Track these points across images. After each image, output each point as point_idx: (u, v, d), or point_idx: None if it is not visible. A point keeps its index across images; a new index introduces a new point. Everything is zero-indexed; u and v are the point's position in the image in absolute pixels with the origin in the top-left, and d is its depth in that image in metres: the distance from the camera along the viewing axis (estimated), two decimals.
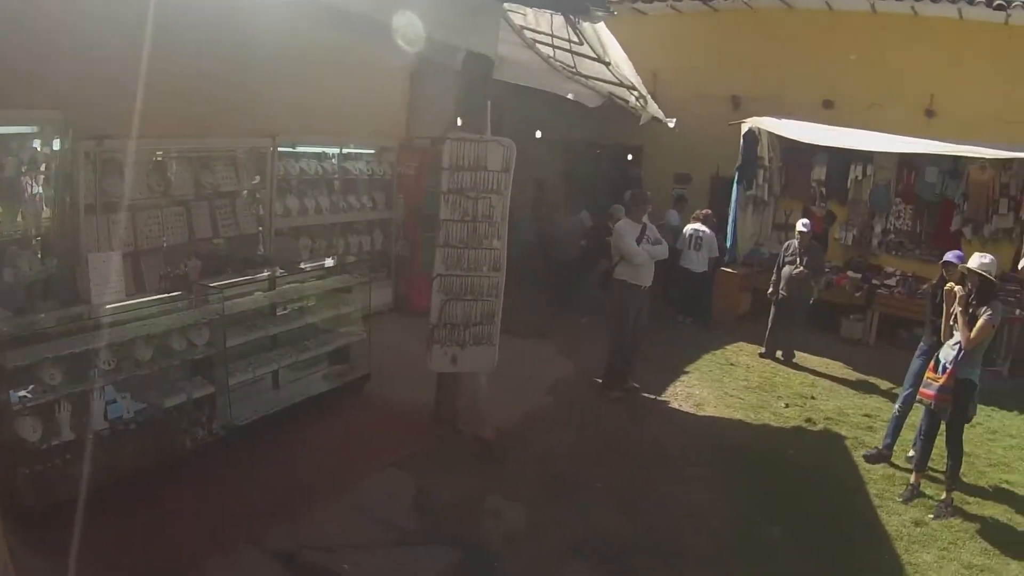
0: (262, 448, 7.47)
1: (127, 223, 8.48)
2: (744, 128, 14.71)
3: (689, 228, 14.44)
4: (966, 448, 8.17)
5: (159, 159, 9.22)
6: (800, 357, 12.48)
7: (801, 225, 12.40)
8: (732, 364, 12.09)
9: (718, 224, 14.74)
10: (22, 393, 6.03)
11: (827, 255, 13.66)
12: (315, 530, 6.32)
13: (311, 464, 7.35)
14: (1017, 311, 12.96)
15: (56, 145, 7.88)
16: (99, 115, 7.79)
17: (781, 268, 12.46)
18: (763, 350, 12.68)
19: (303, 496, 6.76)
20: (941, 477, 8.08)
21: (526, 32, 10.52)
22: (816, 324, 13.09)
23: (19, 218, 7.67)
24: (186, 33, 7.97)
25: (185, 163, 9.47)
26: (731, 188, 14.95)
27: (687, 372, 11.44)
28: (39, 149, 7.82)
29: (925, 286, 8.19)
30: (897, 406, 9.02)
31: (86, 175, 8.04)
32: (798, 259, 12.13)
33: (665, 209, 15.45)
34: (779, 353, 12.59)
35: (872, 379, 11.97)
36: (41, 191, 7.82)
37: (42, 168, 7.80)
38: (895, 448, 8.91)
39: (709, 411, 10.01)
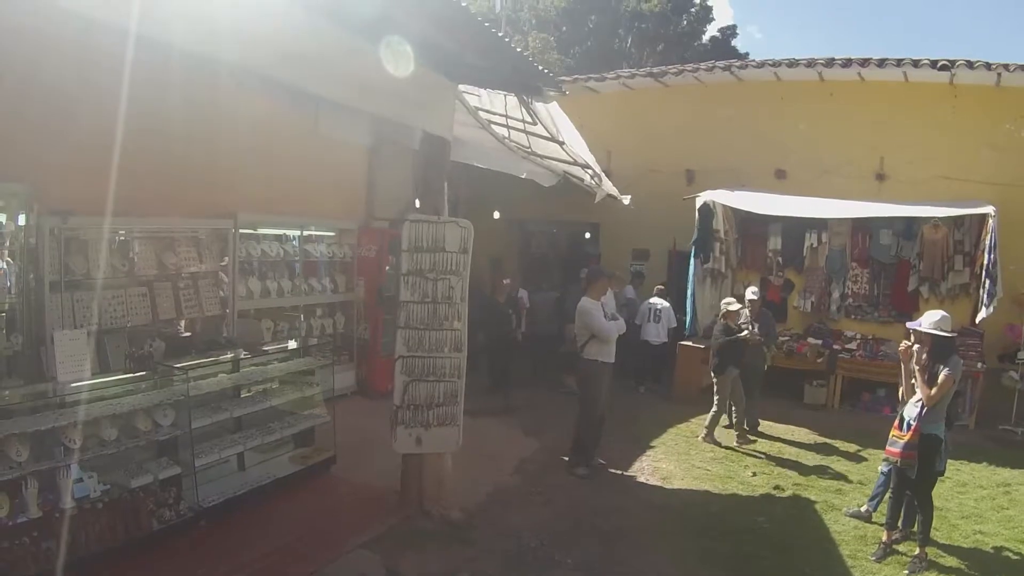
0: (229, 530, 7.36)
1: (91, 302, 8.37)
2: (699, 202, 14.91)
3: (647, 302, 14.80)
4: (937, 503, 8.23)
5: (123, 238, 9.18)
6: (765, 425, 12.51)
7: (750, 293, 12.57)
8: (698, 437, 12.03)
9: (674, 297, 15.12)
10: None
11: (787, 323, 13.76)
12: None
13: (279, 546, 7.21)
14: (979, 364, 13.16)
15: (21, 220, 7.83)
16: (64, 191, 7.81)
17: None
18: (727, 421, 12.62)
19: None
20: (913, 535, 8.10)
21: (481, 113, 10.68)
22: (779, 391, 13.06)
23: None
24: (150, 112, 8.04)
25: (148, 243, 9.40)
26: (689, 262, 15.07)
27: (653, 446, 11.40)
28: (3, 223, 7.78)
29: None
30: (881, 467, 9.03)
31: (51, 252, 7.98)
32: (750, 327, 12.19)
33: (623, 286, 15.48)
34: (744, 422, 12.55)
35: (838, 442, 12.03)
36: (5, 267, 7.75)
37: (6, 244, 7.75)
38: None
39: (677, 484, 9.95)
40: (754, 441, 11.64)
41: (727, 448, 11.56)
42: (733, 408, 12.07)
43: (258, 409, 8.54)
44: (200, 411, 7.64)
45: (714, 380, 11.57)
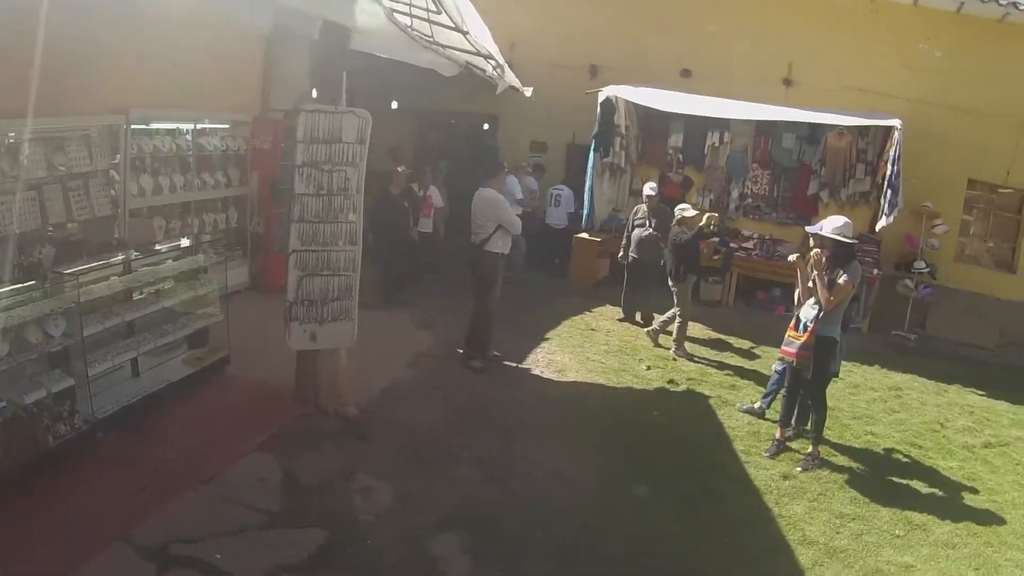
0: (126, 439, 7.17)
1: None
2: (601, 96, 14.76)
3: (551, 189, 15.39)
4: (830, 403, 8.46)
5: (11, 141, 8.64)
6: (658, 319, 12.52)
7: (648, 188, 12.62)
8: (593, 329, 12.18)
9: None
10: None
11: None
12: (185, 521, 6.09)
13: (176, 453, 7.09)
14: (875, 271, 13.49)
15: None
16: None
17: (631, 232, 12.66)
18: (621, 314, 12.87)
19: (171, 486, 6.52)
20: (806, 433, 8.37)
21: (384, 1, 10.34)
22: None
23: None
24: (33, 6, 7.62)
25: (37, 144, 8.86)
26: (588, 156, 15.04)
27: (548, 339, 11.45)
28: None
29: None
30: (775, 365, 9.17)
31: None
32: (647, 222, 12.33)
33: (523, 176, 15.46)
34: (639, 316, 12.77)
35: (732, 339, 12.31)
36: None
37: None
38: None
39: (571, 376, 10.05)
40: (691, 356, 11.39)
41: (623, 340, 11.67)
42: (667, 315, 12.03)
43: (151, 311, 8.27)
44: (92, 318, 7.35)
45: (672, 288, 11.36)
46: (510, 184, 14.36)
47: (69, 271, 7.17)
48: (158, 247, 8.85)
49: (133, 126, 10.10)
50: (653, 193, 12.51)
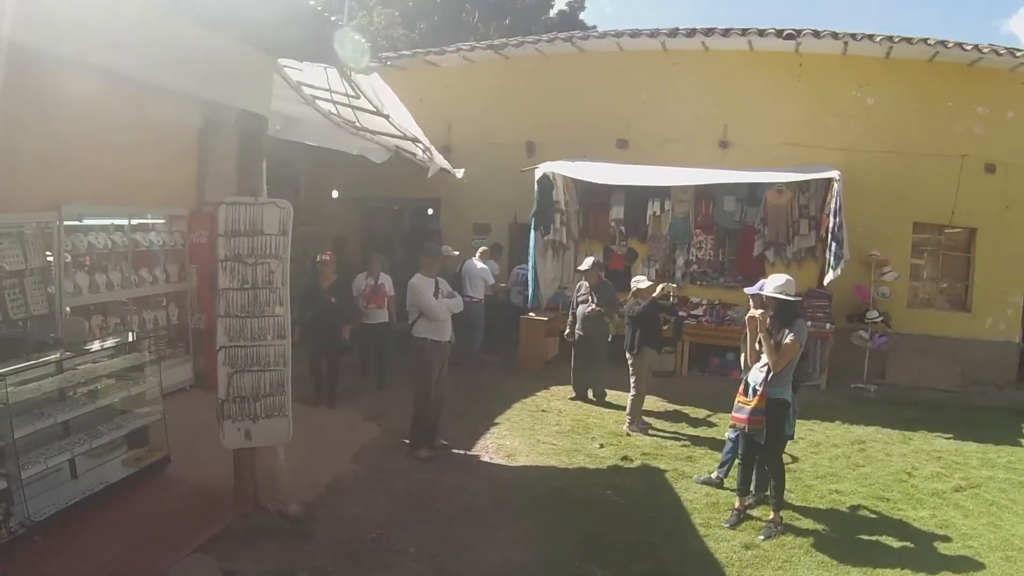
0: (65, 543, 6.91)
1: None
2: (538, 173, 14.82)
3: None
4: (792, 464, 8.35)
5: None
6: (612, 395, 12.51)
7: (586, 263, 12.61)
8: (543, 410, 12.02)
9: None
10: None
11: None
12: None
13: (115, 556, 6.79)
14: (827, 325, 13.51)
15: None
16: None
17: (575, 308, 12.62)
18: (573, 393, 12.72)
19: None
20: (767, 499, 8.16)
21: (304, 88, 10.32)
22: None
23: None
24: None
25: None
26: (529, 235, 14.99)
27: (497, 423, 11.26)
28: None
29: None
30: (728, 433, 9.00)
31: None
32: (590, 297, 12.29)
33: (468, 257, 15.26)
34: (591, 393, 12.65)
35: (687, 409, 12.19)
36: None
37: None
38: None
39: (522, 460, 9.85)
40: (648, 427, 11.25)
41: (574, 419, 11.48)
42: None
43: (85, 411, 8.01)
44: (23, 419, 7.12)
45: (629, 361, 11.23)
46: (476, 270, 14.73)
47: None
48: (93, 345, 8.68)
49: (66, 222, 9.98)
50: (588, 267, 12.49)
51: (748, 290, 8.33)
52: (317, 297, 11.67)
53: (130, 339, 9.04)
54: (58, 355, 8.01)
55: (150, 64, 6.41)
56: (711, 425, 11.38)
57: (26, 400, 7.26)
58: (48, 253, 9.74)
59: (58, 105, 8.83)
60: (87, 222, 10.70)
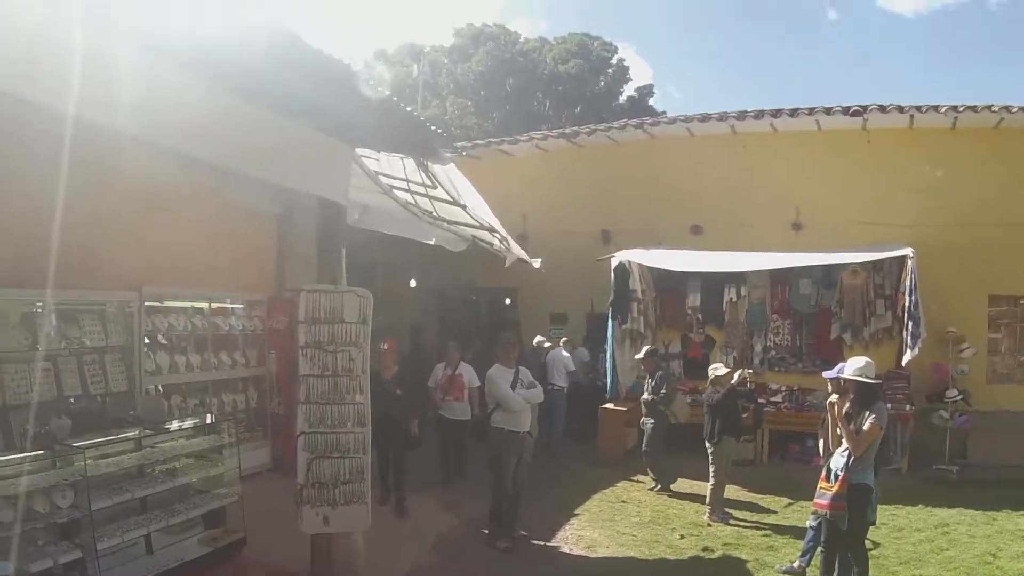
0: None
1: None
2: (614, 262, 14.84)
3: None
4: (874, 550, 8.12)
5: (31, 311, 8.81)
6: (693, 485, 12.27)
7: (642, 352, 12.80)
8: (623, 501, 11.82)
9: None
10: None
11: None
12: None
13: None
14: (907, 407, 13.19)
15: None
16: None
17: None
18: (653, 484, 12.56)
19: None
20: None
21: (381, 177, 10.47)
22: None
23: None
24: (51, 183, 7.71)
25: (53, 316, 9.02)
26: (607, 324, 14.99)
27: (577, 515, 11.08)
28: None
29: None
30: (810, 521, 8.76)
31: None
32: (645, 386, 12.44)
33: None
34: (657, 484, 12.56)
35: (768, 497, 11.89)
36: None
37: None
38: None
39: (602, 552, 9.63)
40: (729, 516, 10.96)
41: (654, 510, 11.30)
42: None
43: (163, 489, 8.13)
44: (101, 492, 7.26)
45: (709, 450, 11.00)
46: (560, 358, 14.75)
47: (78, 443, 7.19)
48: (171, 425, 8.86)
49: (147, 303, 10.21)
50: (643, 356, 12.80)
51: (827, 374, 8.20)
52: (379, 389, 10.10)
53: (209, 420, 9.20)
54: (138, 432, 8.17)
55: (230, 151, 6.59)
56: (792, 513, 11.09)
57: (105, 474, 7.39)
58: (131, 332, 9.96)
59: (140, 189, 9.11)
60: (168, 304, 10.94)
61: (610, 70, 40.39)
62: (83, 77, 4.74)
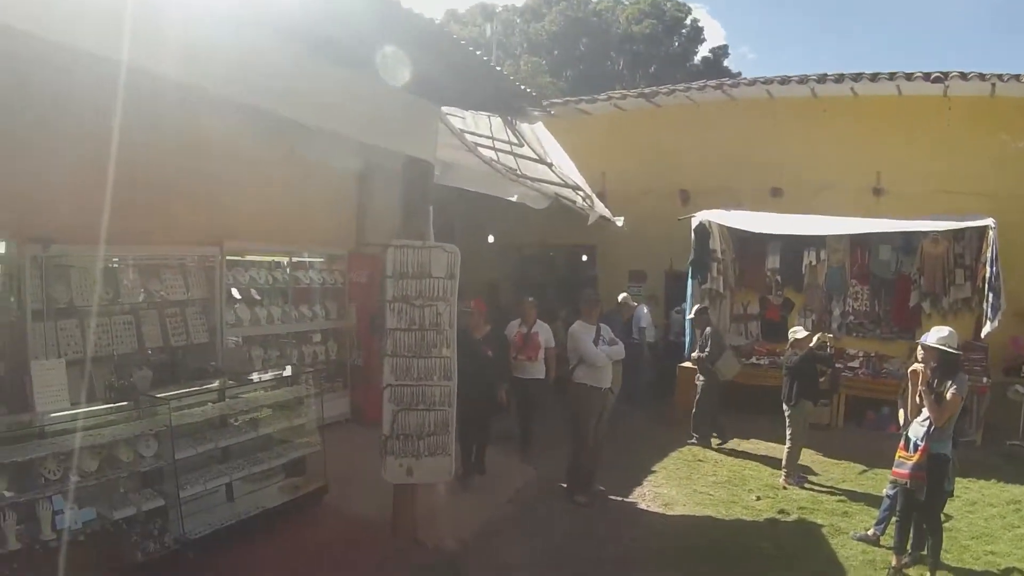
0: (217, 562, 7.15)
1: (76, 330, 8.31)
2: (694, 222, 14.79)
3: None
4: (947, 523, 8.05)
5: (107, 266, 9.05)
6: (768, 447, 12.31)
7: (693, 311, 13.14)
8: (700, 460, 11.86)
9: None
10: None
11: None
12: None
13: None
14: (984, 379, 12.96)
15: (1, 247, 7.82)
16: (45, 219, 7.77)
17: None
18: (719, 441, 12.69)
19: None
20: (923, 557, 7.87)
21: (466, 135, 10.50)
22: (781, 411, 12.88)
23: None
24: (133, 140, 7.87)
25: (133, 270, 9.36)
26: (685, 282, 14.99)
27: (654, 471, 11.17)
28: None
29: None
30: (887, 489, 8.68)
31: (32, 279, 7.93)
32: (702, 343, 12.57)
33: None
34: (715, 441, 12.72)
35: (844, 463, 11.81)
36: None
37: None
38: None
39: (679, 510, 9.72)
40: (804, 480, 10.98)
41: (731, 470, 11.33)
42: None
43: (245, 439, 8.35)
44: (185, 441, 7.46)
45: (786, 413, 10.96)
46: (643, 314, 14.96)
47: (162, 395, 7.42)
48: (253, 376, 9.07)
49: (229, 257, 10.47)
50: (694, 315, 13.34)
51: (923, 340, 8.08)
52: (470, 349, 9.67)
53: (289, 372, 9.38)
54: (220, 383, 8.42)
55: (320, 112, 6.65)
56: (867, 480, 11.00)
57: (188, 424, 7.61)
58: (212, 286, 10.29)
59: (220, 146, 9.29)
60: (249, 258, 11.22)
61: (684, 30, 40.01)
62: (177, 41, 4.85)
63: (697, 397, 12.71)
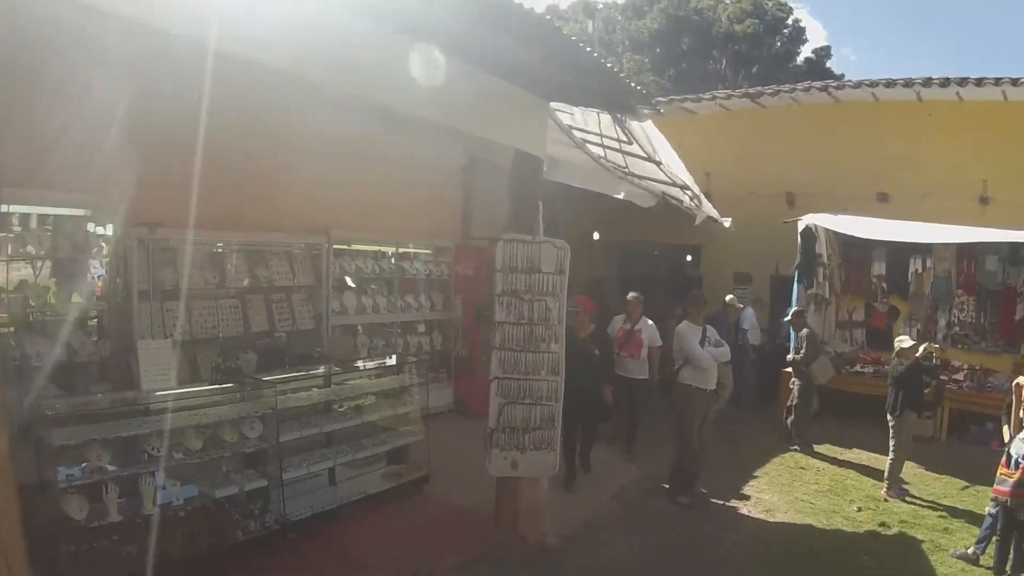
0: (317, 545, 7.38)
1: (181, 312, 8.57)
2: (801, 225, 14.56)
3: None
4: None
5: (214, 251, 9.41)
6: (870, 458, 12.09)
7: (788, 314, 13.12)
8: (802, 467, 11.74)
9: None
10: (69, 472, 6.04)
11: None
12: None
13: (368, 565, 7.19)
14: None
15: (109, 229, 8.05)
16: (153, 204, 8.03)
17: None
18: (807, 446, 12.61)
19: None
20: None
21: (575, 132, 10.54)
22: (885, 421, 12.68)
23: (75, 298, 7.75)
24: (242, 129, 8.11)
25: (240, 256, 9.62)
26: (791, 287, 14.83)
27: (756, 476, 11.11)
28: (92, 232, 7.97)
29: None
30: (989, 507, 8.41)
31: (139, 262, 8.23)
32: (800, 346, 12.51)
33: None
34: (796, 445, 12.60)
35: (945, 477, 11.54)
36: (97, 274, 8.00)
37: (93, 251, 7.96)
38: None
39: (780, 517, 9.65)
40: (906, 493, 10.72)
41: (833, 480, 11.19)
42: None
43: (349, 425, 8.56)
44: (289, 425, 7.69)
45: (890, 423, 10.75)
46: (750, 316, 15.04)
47: (269, 378, 7.66)
48: (358, 364, 9.28)
49: (336, 246, 10.69)
50: (789, 317, 13.30)
51: None
52: (575, 348, 9.00)
53: (394, 361, 9.54)
54: (326, 369, 8.64)
55: (429, 105, 6.75)
56: (969, 496, 10.72)
57: (293, 408, 7.84)
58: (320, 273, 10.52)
59: (329, 136, 9.48)
60: (355, 247, 11.44)
61: (786, 30, 39.40)
62: (285, 32, 5.03)
63: (795, 403, 12.60)
